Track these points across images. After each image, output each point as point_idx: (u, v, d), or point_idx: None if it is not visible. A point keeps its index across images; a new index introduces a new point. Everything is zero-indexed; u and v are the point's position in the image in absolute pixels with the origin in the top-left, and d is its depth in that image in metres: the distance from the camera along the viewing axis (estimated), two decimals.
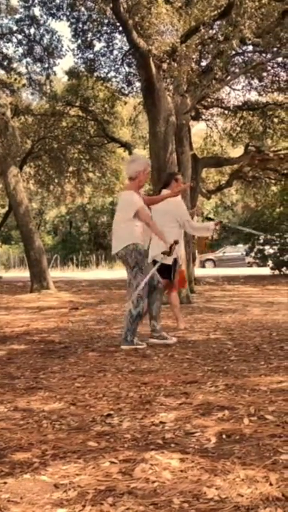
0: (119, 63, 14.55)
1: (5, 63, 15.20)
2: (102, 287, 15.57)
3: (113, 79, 15.23)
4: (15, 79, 15.27)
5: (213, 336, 5.72)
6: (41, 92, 16.32)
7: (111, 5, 10.22)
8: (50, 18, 13.62)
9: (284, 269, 19.42)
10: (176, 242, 5.64)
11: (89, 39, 13.67)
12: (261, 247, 20.29)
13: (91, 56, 14.32)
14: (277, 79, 14.88)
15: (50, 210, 41.38)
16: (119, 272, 25.82)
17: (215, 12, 10.06)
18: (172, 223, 5.95)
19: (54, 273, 21.92)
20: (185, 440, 2.49)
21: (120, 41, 14.23)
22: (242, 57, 14.22)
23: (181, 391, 3.37)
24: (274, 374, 3.77)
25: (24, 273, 23.01)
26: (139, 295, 5.10)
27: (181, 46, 9.86)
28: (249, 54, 14.09)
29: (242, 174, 18.31)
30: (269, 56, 13.22)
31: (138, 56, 10.38)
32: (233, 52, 12.29)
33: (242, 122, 16.54)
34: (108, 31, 13.81)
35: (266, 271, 20.30)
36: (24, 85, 15.79)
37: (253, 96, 21.23)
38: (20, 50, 14.83)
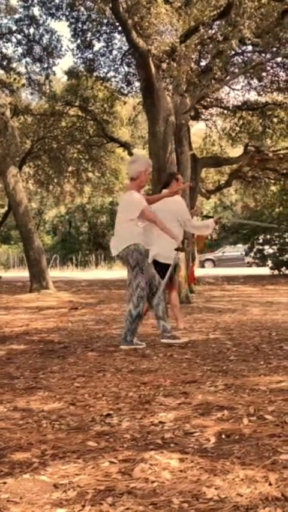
0: (119, 63, 14.56)
1: (5, 63, 15.19)
2: (102, 287, 15.57)
3: (113, 79, 15.24)
4: (15, 79, 15.26)
5: (213, 336, 5.72)
6: (41, 92, 16.32)
7: (110, 4, 10.23)
8: (50, 18, 13.62)
9: (283, 269, 19.43)
10: (185, 238, 5.67)
11: (88, 39, 13.66)
12: (260, 247, 20.31)
13: (90, 56, 14.33)
14: (276, 79, 14.88)
15: (49, 210, 41.38)
16: (119, 272, 25.82)
17: (215, 12, 10.06)
18: (173, 222, 5.96)
19: (54, 273, 21.92)
20: (185, 440, 2.49)
21: (119, 41, 14.25)
22: (242, 57, 14.23)
23: (180, 391, 3.37)
24: (273, 374, 3.77)
25: (23, 273, 22.99)
26: (140, 296, 5.09)
27: (180, 46, 9.86)
28: (249, 54, 14.10)
29: (241, 174, 18.32)
30: (268, 56, 13.23)
31: (138, 56, 10.39)
32: (233, 52, 12.30)
33: (241, 122, 16.55)
34: (108, 31, 13.81)
35: (265, 271, 20.31)
36: (23, 85, 15.79)
37: (252, 96, 21.23)
38: (20, 50, 14.84)
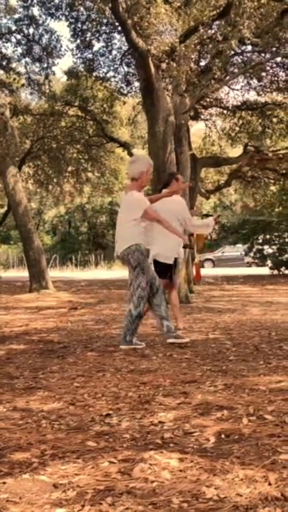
0: (118, 63, 14.55)
1: (4, 63, 15.18)
2: (101, 287, 15.57)
3: (112, 79, 15.23)
4: (14, 79, 15.24)
5: (212, 336, 5.72)
6: (40, 92, 16.30)
7: (110, 4, 10.22)
8: (49, 18, 13.60)
9: (283, 269, 19.44)
10: (191, 235, 5.68)
11: (88, 39, 13.65)
12: (260, 247, 20.32)
13: (90, 56, 14.32)
14: (276, 78, 14.88)
15: (49, 210, 41.39)
16: (118, 272, 25.82)
17: (214, 12, 10.06)
18: (174, 222, 5.96)
19: (53, 273, 21.91)
20: (184, 439, 2.49)
21: (119, 40, 14.24)
22: (241, 57, 14.22)
23: (180, 391, 3.37)
24: (273, 374, 3.77)
25: (23, 273, 22.99)
26: (140, 296, 5.09)
27: (180, 46, 9.86)
28: (248, 54, 14.09)
29: (241, 174, 18.32)
30: (268, 56, 13.22)
31: (137, 56, 10.38)
32: (232, 52, 12.29)
33: (241, 122, 16.54)
34: (107, 31, 13.80)
35: (265, 271, 20.31)
36: (23, 85, 15.77)
37: (252, 96, 21.27)
38: (19, 49, 14.83)
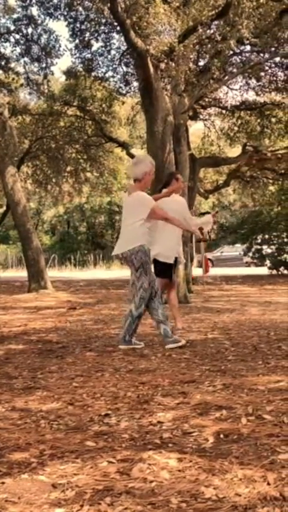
0: (117, 63, 14.54)
1: (3, 63, 15.16)
2: (100, 287, 15.57)
3: (111, 79, 15.23)
4: (13, 79, 15.23)
5: (211, 336, 5.72)
6: (39, 92, 16.30)
7: (108, 4, 10.22)
8: (48, 18, 13.60)
9: (281, 269, 19.45)
10: (201, 229, 5.70)
11: (86, 39, 13.65)
12: (259, 247, 20.33)
13: (89, 55, 14.32)
14: (275, 78, 14.87)
15: (47, 210, 41.37)
16: (117, 272, 25.83)
17: (213, 12, 10.06)
18: None
19: (52, 273, 21.90)
20: (183, 439, 2.49)
21: (118, 40, 14.25)
22: (240, 57, 14.22)
23: (179, 391, 3.37)
24: (272, 374, 3.77)
25: (22, 273, 22.99)
26: (142, 297, 5.08)
27: (179, 46, 9.86)
28: (247, 54, 14.09)
29: (239, 174, 18.30)
30: (266, 56, 13.22)
31: (136, 55, 10.39)
32: (231, 52, 12.29)
33: (239, 122, 16.54)
34: (106, 31, 13.80)
35: (263, 271, 20.32)
36: (21, 85, 15.76)
37: (251, 96, 21.27)
38: (18, 49, 14.82)
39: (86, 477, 2.10)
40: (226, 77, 13.10)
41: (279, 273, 19.32)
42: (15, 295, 12.77)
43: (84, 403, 3.18)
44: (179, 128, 11.21)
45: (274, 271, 19.48)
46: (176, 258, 6.14)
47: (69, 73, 15.76)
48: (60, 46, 14.47)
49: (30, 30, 14.37)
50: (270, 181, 19.78)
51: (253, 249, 20.55)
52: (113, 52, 14.45)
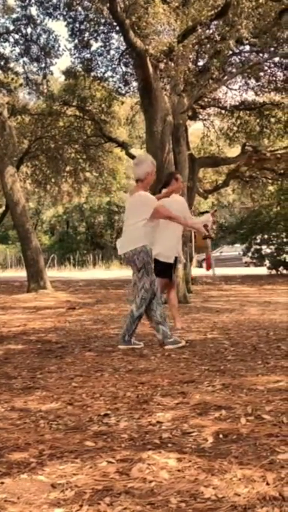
0: (116, 63, 14.56)
1: (2, 62, 15.17)
2: (99, 287, 15.56)
3: (110, 79, 15.25)
4: (12, 79, 15.24)
5: (210, 336, 5.72)
6: (38, 92, 16.30)
7: (108, 4, 10.22)
8: (47, 17, 13.63)
9: (281, 269, 19.45)
10: (206, 226, 5.71)
11: (86, 39, 13.66)
12: (258, 247, 20.33)
13: (88, 55, 14.33)
14: (274, 78, 14.88)
15: (47, 210, 41.34)
16: (116, 272, 25.83)
17: (212, 12, 10.07)
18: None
19: (51, 273, 21.88)
20: (182, 439, 2.49)
21: (117, 40, 14.26)
22: (239, 57, 14.24)
23: (178, 391, 3.37)
24: (271, 374, 3.77)
25: (21, 273, 22.97)
26: (143, 298, 5.08)
27: (178, 46, 9.86)
28: (246, 54, 14.11)
29: (239, 174, 18.31)
30: (265, 56, 13.23)
31: (135, 55, 10.39)
32: (230, 52, 12.30)
33: (239, 122, 16.54)
34: (105, 31, 13.81)
35: (263, 271, 20.33)
36: (21, 85, 15.77)
37: (250, 96, 21.18)
38: (17, 49, 14.84)
39: (85, 477, 2.10)
40: (225, 77, 13.12)
41: (279, 273, 19.33)
42: (15, 295, 12.76)
43: (83, 403, 3.18)
44: (178, 128, 11.21)
45: (273, 271, 19.49)
46: (176, 258, 6.14)
47: (69, 72, 15.76)
48: (59, 46, 14.50)
49: (29, 30, 14.41)
50: (270, 181, 19.80)
51: (252, 249, 20.55)
52: (112, 52, 14.48)
